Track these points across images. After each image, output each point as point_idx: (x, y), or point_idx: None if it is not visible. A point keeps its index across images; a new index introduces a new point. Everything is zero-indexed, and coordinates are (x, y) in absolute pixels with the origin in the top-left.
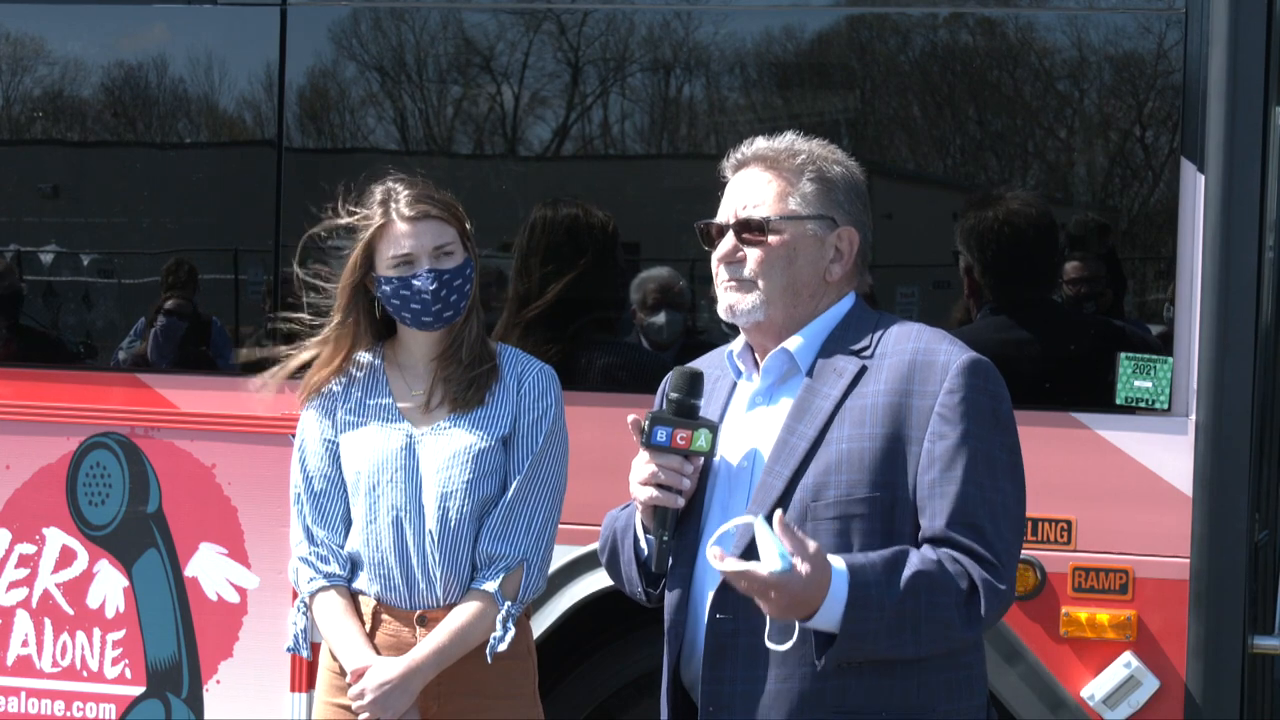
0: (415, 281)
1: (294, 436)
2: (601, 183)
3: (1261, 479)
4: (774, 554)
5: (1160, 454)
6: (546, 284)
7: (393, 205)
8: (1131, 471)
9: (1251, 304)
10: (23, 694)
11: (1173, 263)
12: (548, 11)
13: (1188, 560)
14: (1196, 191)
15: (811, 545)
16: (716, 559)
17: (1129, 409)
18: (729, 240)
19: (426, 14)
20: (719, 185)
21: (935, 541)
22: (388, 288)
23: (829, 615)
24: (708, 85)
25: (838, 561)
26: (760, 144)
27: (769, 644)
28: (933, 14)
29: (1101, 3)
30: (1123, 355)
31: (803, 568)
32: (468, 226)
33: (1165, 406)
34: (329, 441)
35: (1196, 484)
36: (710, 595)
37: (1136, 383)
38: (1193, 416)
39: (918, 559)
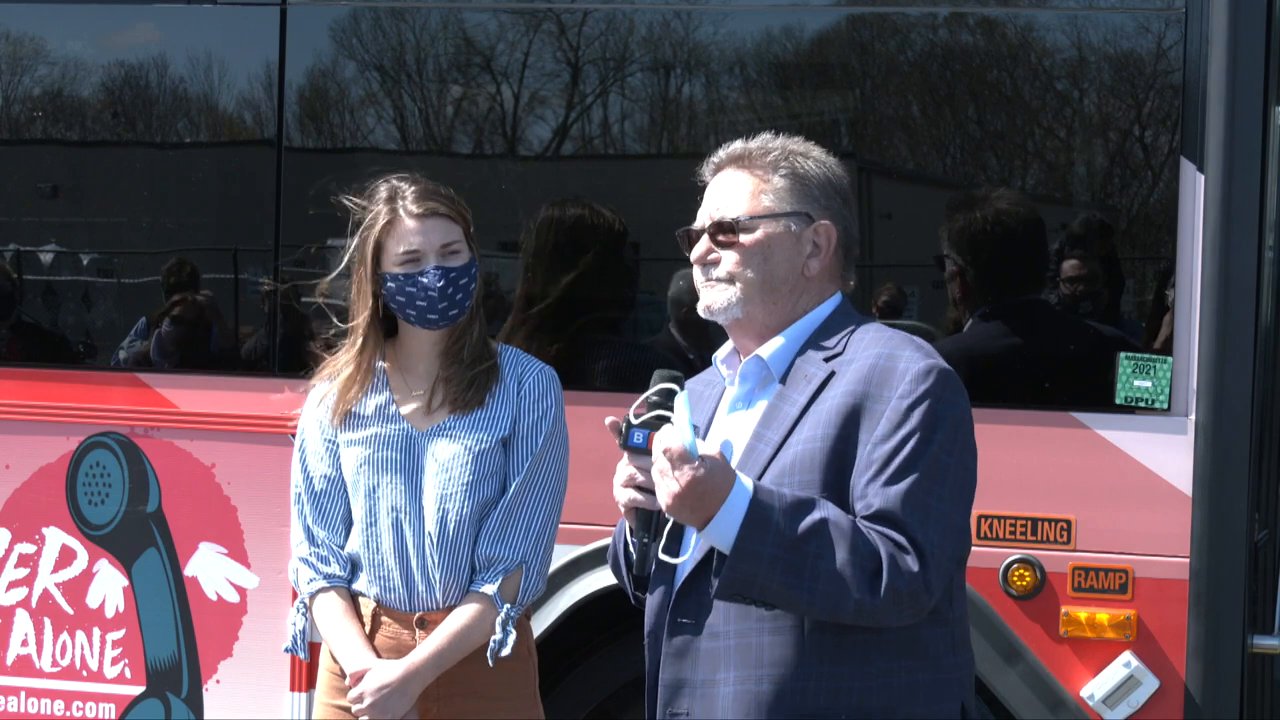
0: (423, 278)
1: (294, 436)
2: (601, 182)
3: (1261, 479)
4: (688, 432)
5: (1160, 454)
6: (552, 284)
7: (399, 201)
8: (1131, 471)
9: (1251, 304)
10: (23, 694)
11: (1173, 263)
12: (548, 11)
13: (1187, 560)
14: (1196, 191)
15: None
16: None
17: (1129, 409)
18: (703, 243)
19: (426, 14)
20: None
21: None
22: (393, 284)
23: (724, 527)
24: (708, 85)
25: (745, 479)
26: (734, 146)
27: (663, 556)
28: (932, 14)
29: (1101, 3)
30: (1122, 355)
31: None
32: (470, 228)
33: (1165, 406)
34: (329, 442)
35: (1196, 484)
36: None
37: (1136, 382)
38: (1192, 416)
39: (831, 510)
